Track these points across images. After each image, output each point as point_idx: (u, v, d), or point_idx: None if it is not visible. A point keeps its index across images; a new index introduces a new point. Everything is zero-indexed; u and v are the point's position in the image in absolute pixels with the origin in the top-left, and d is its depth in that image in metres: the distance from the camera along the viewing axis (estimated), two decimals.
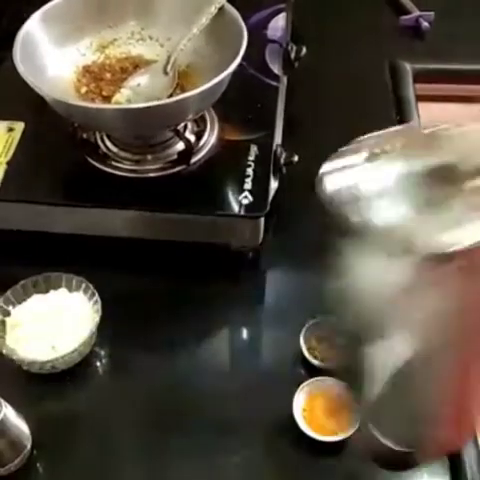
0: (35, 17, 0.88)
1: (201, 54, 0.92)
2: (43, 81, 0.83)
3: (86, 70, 0.92)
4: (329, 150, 1.05)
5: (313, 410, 0.75)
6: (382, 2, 1.31)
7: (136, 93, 0.89)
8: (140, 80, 0.90)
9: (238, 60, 0.82)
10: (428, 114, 1.12)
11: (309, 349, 0.79)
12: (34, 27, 0.88)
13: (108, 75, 0.92)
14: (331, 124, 1.08)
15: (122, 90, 0.89)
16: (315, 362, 0.78)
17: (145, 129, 0.87)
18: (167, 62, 0.89)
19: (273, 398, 0.77)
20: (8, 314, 0.80)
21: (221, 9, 0.89)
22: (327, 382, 0.76)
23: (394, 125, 1.08)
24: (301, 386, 0.75)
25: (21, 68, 0.80)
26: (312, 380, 0.76)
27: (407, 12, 1.26)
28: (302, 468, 0.73)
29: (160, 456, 0.74)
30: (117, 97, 0.88)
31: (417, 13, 1.25)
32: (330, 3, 1.30)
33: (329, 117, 1.09)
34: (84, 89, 0.90)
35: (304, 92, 1.10)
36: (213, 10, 0.89)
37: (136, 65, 0.93)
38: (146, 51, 0.96)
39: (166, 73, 0.89)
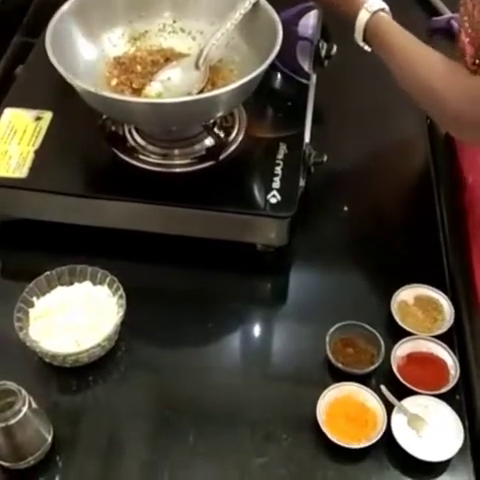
0: (68, 5, 0.87)
1: (234, 49, 0.91)
2: (75, 71, 0.83)
3: (117, 61, 0.91)
4: (355, 150, 1.05)
5: (337, 415, 0.74)
6: (413, 3, 1.29)
7: (166, 87, 0.88)
8: (171, 74, 0.89)
9: (273, 56, 0.81)
10: None
11: (334, 353, 0.78)
12: (67, 15, 0.86)
13: (139, 67, 0.90)
14: (358, 124, 1.07)
15: (152, 83, 0.88)
16: (340, 366, 0.77)
17: (175, 124, 0.85)
18: (199, 56, 0.88)
19: (296, 401, 0.77)
20: (32, 305, 0.79)
21: (256, 4, 0.88)
22: (352, 387, 0.75)
23: (423, 128, 1.08)
24: (325, 390, 0.75)
25: (53, 58, 0.80)
26: (337, 385, 0.75)
27: (438, 13, 1.24)
28: (324, 473, 0.72)
29: (178, 455, 0.73)
30: (147, 90, 0.87)
31: (449, 15, 1.23)
32: None
33: (356, 117, 1.08)
34: (115, 81, 0.89)
35: (331, 91, 1.09)
36: (247, 5, 0.87)
37: (167, 58, 0.92)
38: (177, 44, 0.94)
39: (197, 67, 0.88)
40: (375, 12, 0.84)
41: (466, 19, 0.80)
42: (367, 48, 0.87)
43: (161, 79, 0.88)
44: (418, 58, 0.82)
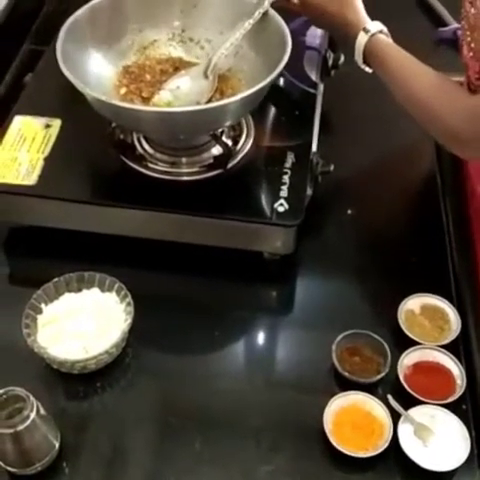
0: (78, 14, 0.88)
1: (242, 59, 0.91)
2: (84, 80, 0.83)
3: (126, 70, 0.92)
4: (362, 159, 1.06)
5: (343, 424, 0.74)
6: (419, 13, 1.29)
7: (175, 96, 0.89)
8: (180, 83, 0.90)
9: (282, 66, 0.82)
10: None
11: (340, 362, 0.78)
12: (77, 24, 0.87)
13: (148, 76, 0.91)
14: (365, 133, 1.07)
15: (161, 92, 0.89)
16: (346, 375, 0.77)
17: (184, 132, 0.86)
18: (208, 65, 0.89)
19: (302, 410, 0.77)
20: (40, 312, 0.79)
21: (265, 14, 0.89)
22: (358, 396, 0.75)
23: (429, 138, 1.08)
24: (332, 399, 0.75)
25: (64, 66, 0.80)
26: (343, 394, 0.75)
27: (445, 24, 1.25)
28: None
29: (184, 462, 0.73)
30: (156, 99, 0.88)
31: (455, 25, 1.23)
32: (367, 12, 1.29)
33: (363, 126, 1.08)
34: (124, 90, 0.90)
35: (338, 100, 1.09)
36: (257, 15, 0.88)
37: (176, 67, 0.93)
38: (186, 53, 0.95)
39: (206, 77, 0.89)
40: (373, 34, 0.86)
41: (469, 34, 0.80)
42: (368, 69, 0.89)
43: (170, 88, 0.89)
44: (416, 78, 0.83)
